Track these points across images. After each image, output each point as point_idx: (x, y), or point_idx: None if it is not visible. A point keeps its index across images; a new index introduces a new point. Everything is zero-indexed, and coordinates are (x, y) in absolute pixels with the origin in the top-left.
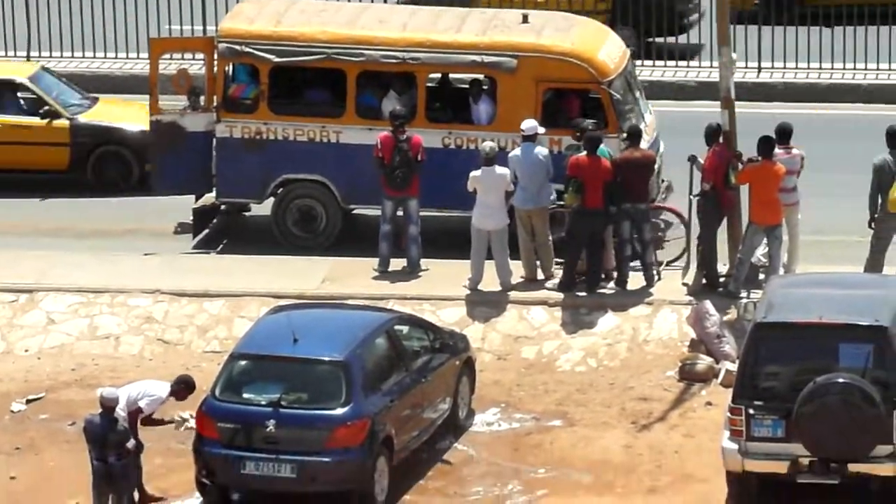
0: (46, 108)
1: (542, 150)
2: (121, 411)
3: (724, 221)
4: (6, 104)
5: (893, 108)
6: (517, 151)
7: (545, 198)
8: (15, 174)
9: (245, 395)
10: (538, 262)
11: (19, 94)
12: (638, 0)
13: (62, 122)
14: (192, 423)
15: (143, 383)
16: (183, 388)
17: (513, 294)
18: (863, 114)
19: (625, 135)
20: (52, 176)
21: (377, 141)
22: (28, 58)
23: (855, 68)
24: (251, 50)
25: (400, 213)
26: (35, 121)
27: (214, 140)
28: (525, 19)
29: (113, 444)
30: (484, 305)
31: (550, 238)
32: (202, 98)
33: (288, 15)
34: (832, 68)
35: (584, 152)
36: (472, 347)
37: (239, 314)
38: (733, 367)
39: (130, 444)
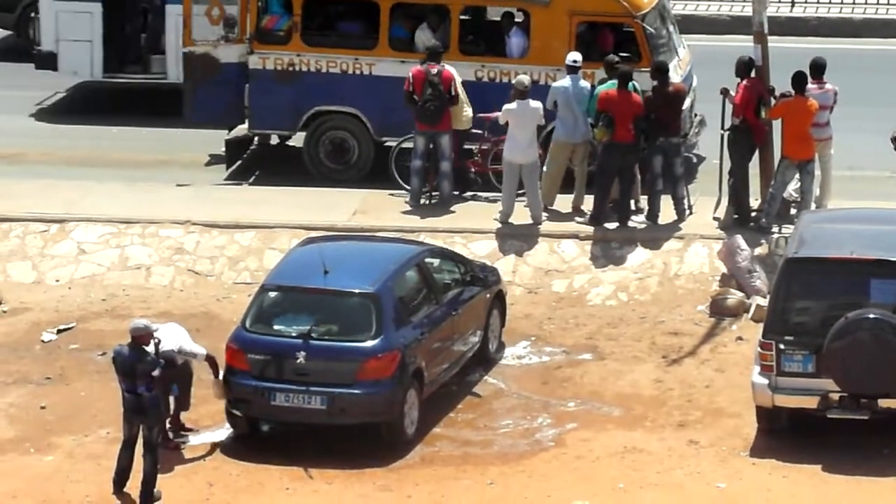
0: None
1: (587, 83)
2: (173, 347)
3: (756, 155)
4: None
5: None
6: (565, 83)
7: (588, 131)
8: None
9: (276, 327)
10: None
11: None
12: None
13: None
14: None
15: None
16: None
17: (544, 227)
18: None
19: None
20: None
21: (409, 74)
22: None
23: (889, 3)
24: None
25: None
26: None
27: (247, 71)
28: None
29: (142, 374)
30: (515, 239)
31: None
32: (236, 29)
33: None
34: (866, 3)
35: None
36: (502, 280)
37: (270, 246)
38: (764, 301)
39: (156, 372)
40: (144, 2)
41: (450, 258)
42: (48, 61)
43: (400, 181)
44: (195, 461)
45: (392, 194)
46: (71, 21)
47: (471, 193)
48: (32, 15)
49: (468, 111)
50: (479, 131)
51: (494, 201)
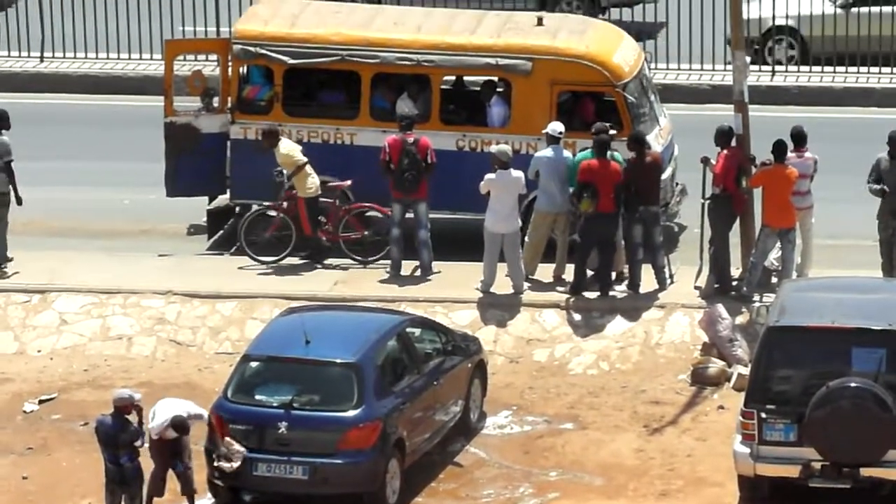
0: None
1: (569, 153)
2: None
3: (737, 224)
4: None
5: None
6: (547, 153)
7: (568, 201)
8: None
9: (257, 397)
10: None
11: None
12: None
13: None
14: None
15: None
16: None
17: (525, 297)
18: (877, 118)
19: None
20: None
21: (385, 144)
22: (41, 59)
23: (869, 72)
24: (266, 51)
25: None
26: None
27: (229, 141)
28: (540, 22)
29: (124, 444)
30: (496, 308)
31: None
32: (216, 99)
33: (303, 16)
34: (846, 72)
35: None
36: (484, 350)
37: (251, 315)
38: (745, 370)
39: (139, 443)
40: None
41: (431, 328)
42: None
43: (249, 252)
44: None
45: (369, 266)
46: None
47: (323, 263)
48: None
49: (315, 180)
50: (329, 200)
51: (346, 268)
